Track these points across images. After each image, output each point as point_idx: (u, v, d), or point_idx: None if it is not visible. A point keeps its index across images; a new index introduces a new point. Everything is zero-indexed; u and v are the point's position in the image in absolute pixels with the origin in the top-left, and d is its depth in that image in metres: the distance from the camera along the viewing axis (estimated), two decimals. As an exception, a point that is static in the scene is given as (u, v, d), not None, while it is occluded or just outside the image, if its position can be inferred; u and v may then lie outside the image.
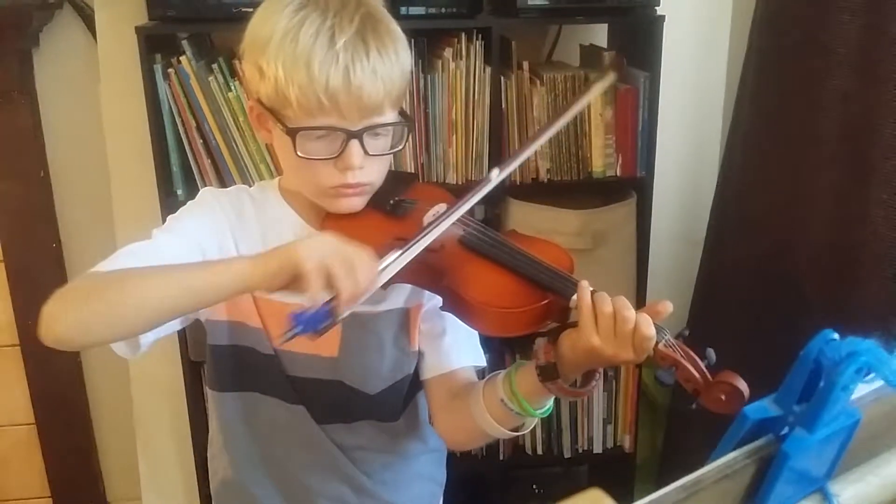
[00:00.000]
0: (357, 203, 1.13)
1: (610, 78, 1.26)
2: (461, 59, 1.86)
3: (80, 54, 2.06)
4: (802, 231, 1.74)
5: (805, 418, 0.65)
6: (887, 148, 1.53)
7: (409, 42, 1.77)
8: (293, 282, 0.92)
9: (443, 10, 1.85)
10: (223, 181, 1.87)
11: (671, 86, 2.02)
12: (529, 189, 1.98)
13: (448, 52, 1.87)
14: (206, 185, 1.85)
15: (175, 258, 1.04)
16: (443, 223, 1.04)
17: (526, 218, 1.97)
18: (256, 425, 1.21)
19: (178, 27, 1.84)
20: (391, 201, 1.16)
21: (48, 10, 2.01)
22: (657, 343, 0.94)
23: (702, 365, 0.93)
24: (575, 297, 0.98)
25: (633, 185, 2.04)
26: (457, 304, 1.05)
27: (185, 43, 1.80)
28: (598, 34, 2.14)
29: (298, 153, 1.05)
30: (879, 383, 0.68)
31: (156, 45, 1.80)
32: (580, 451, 2.21)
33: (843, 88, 1.62)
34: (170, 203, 1.84)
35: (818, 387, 0.64)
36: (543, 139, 1.18)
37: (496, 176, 1.10)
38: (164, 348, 1.98)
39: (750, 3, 1.91)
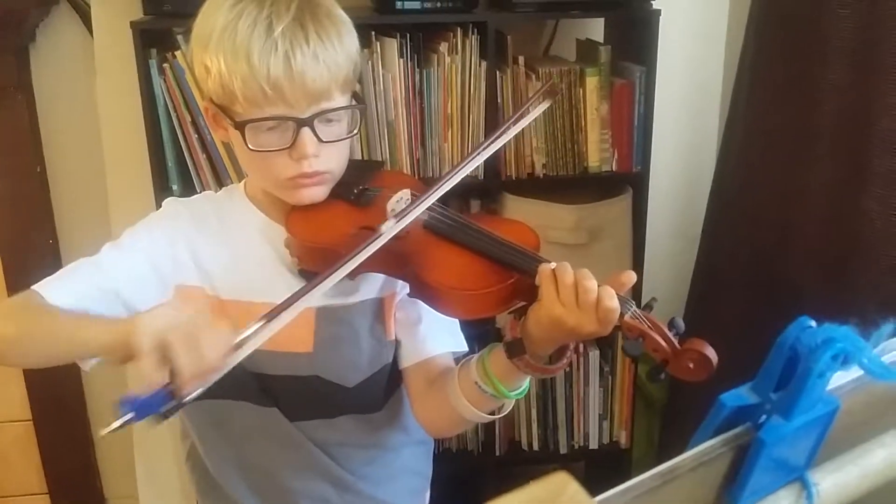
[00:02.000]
0: (318, 193, 1.12)
1: (546, 104, 1.23)
2: (457, 53, 1.86)
3: (77, 50, 2.07)
4: (798, 225, 1.74)
5: (782, 406, 0.64)
6: (882, 141, 1.53)
7: (405, 37, 1.82)
8: (130, 359, 0.85)
9: (438, 4, 1.84)
10: (218, 176, 1.87)
11: (667, 80, 2.01)
12: (525, 184, 1.98)
13: (443, 47, 1.86)
14: (201, 181, 1.87)
15: (115, 278, 1.08)
16: (315, 289, 0.96)
17: (521, 213, 1.97)
18: (230, 431, 1.20)
19: (174, 22, 1.84)
20: (355, 190, 1.15)
21: (45, 6, 2.02)
22: (623, 315, 0.93)
23: (669, 334, 0.94)
24: (538, 272, 0.98)
25: (629, 180, 2.03)
26: (423, 289, 1.05)
27: (180, 38, 1.80)
28: (595, 29, 2.13)
29: (250, 146, 1.05)
30: (859, 372, 0.68)
31: (151, 39, 1.80)
32: (576, 447, 2.21)
33: (838, 81, 1.61)
34: (165, 198, 1.84)
35: (795, 374, 0.64)
36: (467, 167, 1.13)
37: (389, 228, 1.02)
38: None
39: (746, -3, 1.91)
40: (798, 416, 0.64)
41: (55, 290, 1.05)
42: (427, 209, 1.08)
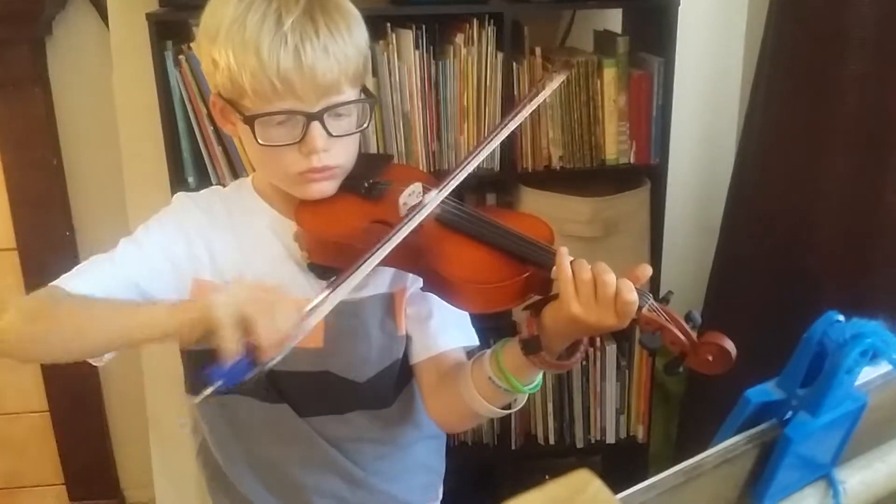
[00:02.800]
0: (327, 188, 1.11)
1: (560, 78, 1.22)
2: (473, 45, 1.85)
3: (93, 42, 2.06)
4: (818, 218, 1.72)
5: (809, 402, 0.63)
6: (905, 132, 1.51)
7: (421, 28, 1.81)
8: (209, 334, 0.89)
9: (454, -5, 1.83)
10: (234, 168, 1.86)
11: (686, 71, 2.00)
12: (541, 176, 1.96)
13: (459, 38, 1.85)
14: (217, 172, 1.87)
15: (134, 271, 1.07)
16: (381, 248, 0.98)
17: (538, 205, 1.95)
18: (240, 427, 1.20)
19: (189, 13, 1.83)
20: (366, 184, 1.14)
21: (61, -2, 2.02)
22: (640, 308, 0.93)
23: (687, 327, 0.93)
24: (556, 267, 0.97)
25: (647, 172, 2.01)
26: (437, 282, 1.04)
27: (195, 29, 1.78)
28: (613, 19, 2.11)
29: (259, 141, 1.04)
30: (888, 367, 0.66)
31: (167, 31, 1.79)
32: (593, 441, 2.20)
33: (859, 72, 1.59)
34: (181, 190, 1.83)
35: (822, 370, 0.63)
36: (492, 145, 1.14)
37: (434, 198, 1.03)
38: (176, 336, 1.99)
39: (767, -13, 1.88)
40: (825, 413, 0.63)
41: (76, 283, 1.03)
42: (440, 203, 1.07)
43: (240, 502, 1.23)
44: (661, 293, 0.98)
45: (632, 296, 0.91)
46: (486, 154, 1.13)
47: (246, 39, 1.00)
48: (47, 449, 2.36)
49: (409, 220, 1.01)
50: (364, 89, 1.12)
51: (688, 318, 0.94)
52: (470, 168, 1.08)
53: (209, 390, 0.88)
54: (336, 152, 1.08)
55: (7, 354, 0.99)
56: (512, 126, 1.15)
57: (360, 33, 1.08)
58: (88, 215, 2.20)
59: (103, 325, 0.97)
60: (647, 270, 0.95)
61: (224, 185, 1.29)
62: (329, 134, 1.05)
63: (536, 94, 1.17)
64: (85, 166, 2.18)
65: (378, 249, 0.98)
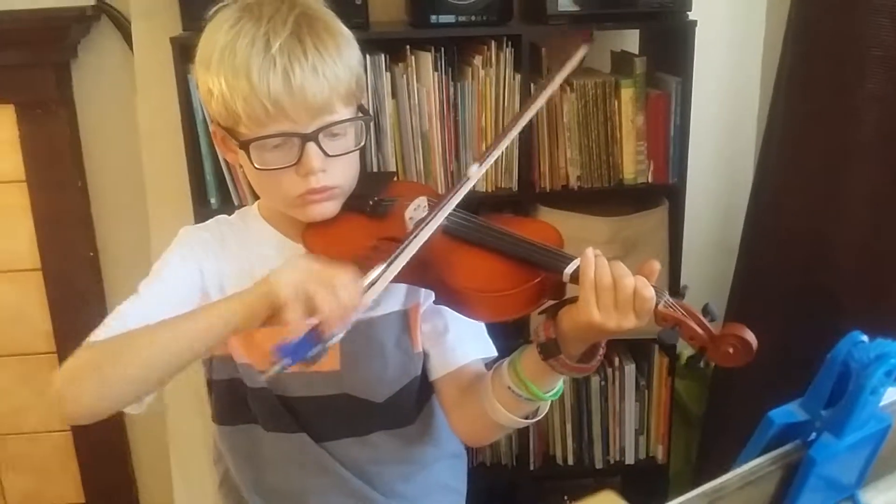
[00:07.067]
0: (329, 208, 1.11)
1: (584, 50, 1.22)
2: (491, 66, 1.86)
3: (117, 65, 2.09)
4: (838, 237, 1.71)
5: (833, 423, 0.63)
6: (925, 151, 1.50)
7: (440, 50, 1.82)
8: (274, 314, 0.92)
9: (472, 17, 1.84)
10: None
11: (704, 91, 2.00)
12: (559, 196, 1.97)
13: (478, 60, 1.86)
14: (238, 194, 1.89)
15: (167, 309, 1.04)
16: (427, 227, 1.00)
17: (555, 225, 1.94)
18: (260, 457, 1.20)
19: (212, 38, 1.86)
20: (370, 202, 1.15)
21: (86, 21, 2.04)
22: (657, 304, 0.92)
23: (705, 321, 0.92)
24: (567, 270, 0.96)
25: (665, 191, 2.01)
26: (449, 295, 1.03)
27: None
28: (630, 40, 2.12)
29: (256, 165, 1.05)
30: (912, 388, 0.66)
31: (190, 55, 1.81)
32: (611, 461, 2.18)
33: (878, 91, 1.59)
34: (204, 212, 1.86)
35: (846, 391, 0.63)
36: (520, 125, 1.17)
37: (476, 171, 1.07)
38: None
39: (783, 7, 1.88)
40: (849, 434, 0.63)
41: (112, 332, 1.02)
42: (446, 216, 1.07)
43: None
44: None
45: (649, 291, 0.91)
46: (518, 130, 1.17)
47: (237, 65, 1.01)
48: (69, 468, 2.37)
49: (454, 193, 1.04)
50: (360, 107, 1.13)
51: (705, 311, 0.94)
52: (508, 140, 1.14)
53: (276, 368, 0.89)
54: (334, 172, 1.08)
55: (86, 418, 0.97)
56: (540, 102, 1.18)
57: (351, 52, 1.09)
58: (112, 236, 2.23)
59: (168, 344, 0.95)
60: (656, 267, 0.95)
61: (245, 206, 1.30)
62: (325, 154, 1.05)
63: (560, 71, 1.18)
64: (109, 188, 2.20)
65: (419, 232, 1.00)
